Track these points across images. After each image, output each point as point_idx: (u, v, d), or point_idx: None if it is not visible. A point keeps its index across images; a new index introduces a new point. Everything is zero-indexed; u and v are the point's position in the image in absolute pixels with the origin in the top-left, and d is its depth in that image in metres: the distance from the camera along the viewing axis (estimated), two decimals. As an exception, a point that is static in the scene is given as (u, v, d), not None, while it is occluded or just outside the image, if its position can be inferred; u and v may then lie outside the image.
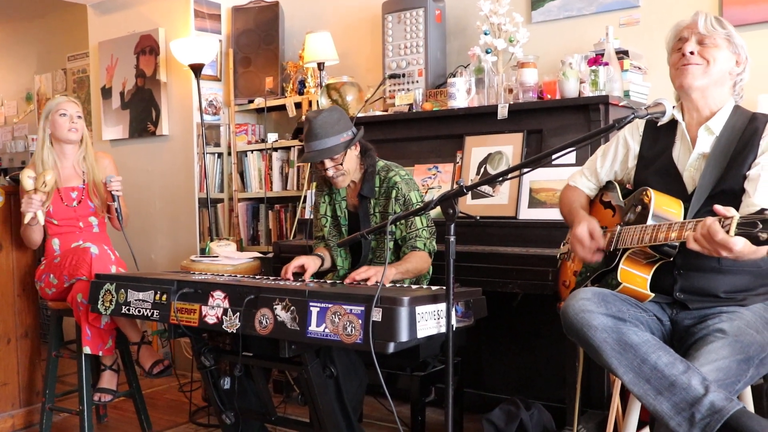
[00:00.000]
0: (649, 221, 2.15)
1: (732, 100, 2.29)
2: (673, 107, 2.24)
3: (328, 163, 2.99)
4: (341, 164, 2.99)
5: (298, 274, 2.99)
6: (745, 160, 2.16)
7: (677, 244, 2.07)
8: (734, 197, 2.13)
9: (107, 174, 3.59)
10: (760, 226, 1.71)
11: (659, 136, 2.38)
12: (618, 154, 2.49)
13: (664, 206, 2.18)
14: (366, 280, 2.71)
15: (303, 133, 3.03)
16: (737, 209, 2.08)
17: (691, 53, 2.21)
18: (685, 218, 2.16)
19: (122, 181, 3.57)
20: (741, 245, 1.79)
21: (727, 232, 1.78)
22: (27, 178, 3.35)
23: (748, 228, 1.74)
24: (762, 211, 1.75)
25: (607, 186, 2.53)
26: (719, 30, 2.22)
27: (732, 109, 2.26)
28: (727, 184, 2.16)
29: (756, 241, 1.73)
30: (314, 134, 2.95)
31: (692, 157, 2.25)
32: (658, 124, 2.36)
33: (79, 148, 3.61)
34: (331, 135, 2.94)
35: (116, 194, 3.54)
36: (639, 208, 2.23)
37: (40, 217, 3.41)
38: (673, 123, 2.32)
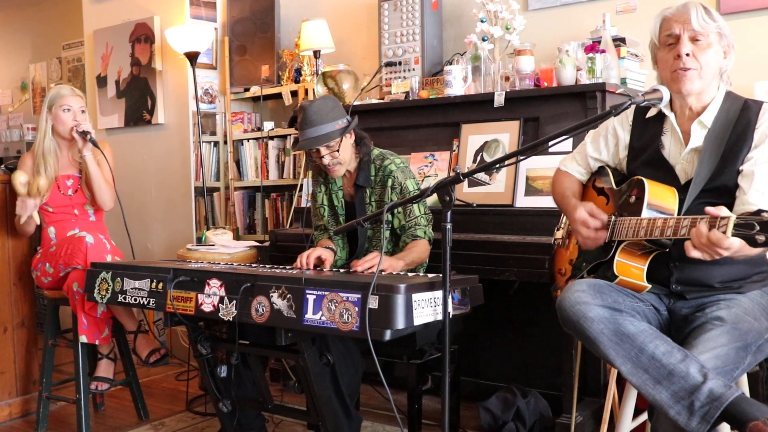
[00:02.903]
0: (644, 213, 2.13)
1: (723, 87, 2.25)
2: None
3: (324, 151, 2.97)
4: (337, 151, 2.97)
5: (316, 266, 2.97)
6: (738, 154, 2.14)
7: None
8: (728, 193, 2.11)
9: (105, 166, 3.58)
10: (758, 228, 1.69)
11: (647, 127, 2.35)
12: (609, 144, 2.47)
13: (658, 197, 2.16)
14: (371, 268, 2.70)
15: (297, 122, 3.01)
16: (732, 204, 2.07)
17: (687, 55, 2.16)
18: (680, 211, 2.15)
19: (89, 122, 3.53)
20: (738, 245, 1.78)
21: (724, 232, 1.77)
22: (19, 184, 3.31)
23: (745, 230, 1.72)
24: (759, 212, 1.73)
25: (600, 171, 2.51)
26: (711, 24, 2.16)
27: (723, 97, 2.23)
28: (720, 180, 2.14)
29: (753, 243, 1.71)
30: (309, 121, 2.93)
31: (685, 151, 2.23)
32: (647, 116, 2.35)
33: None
34: (327, 122, 2.92)
35: (87, 130, 3.46)
36: (633, 198, 2.22)
37: (36, 218, 3.42)
38: (661, 114, 2.30)
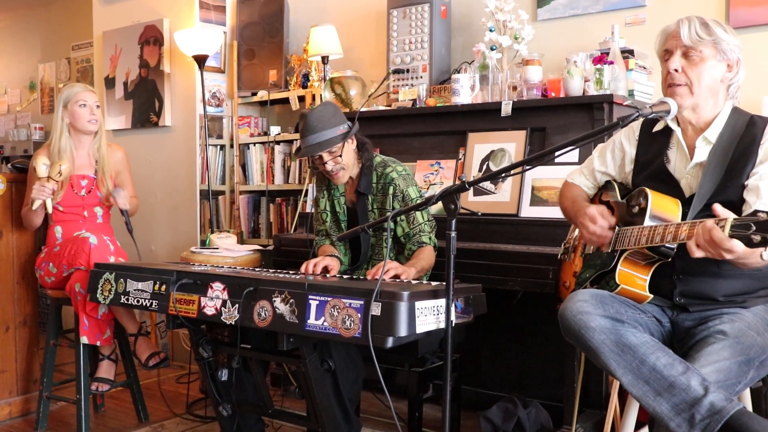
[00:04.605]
0: (647, 222, 2.13)
1: (729, 103, 2.23)
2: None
3: (327, 157, 2.98)
4: (340, 156, 2.97)
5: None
6: (743, 169, 2.13)
7: (675, 245, 2.06)
8: (732, 207, 2.09)
9: (119, 166, 3.62)
10: (754, 227, 1.70)
11: (654, 141, 2.35)
12: (615, 158, 2.47)
13: (661, 207, 2.16)
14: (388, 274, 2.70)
15: (299, 130, 3.01)
16: None
17: (676, 71, 2.16)
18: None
19: (127, 196, 3.61)
20: (741, 249, 1.77)
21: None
22: (42, 165, 3.32)
23: (741, 230, 1.72)
24: (756, 213, 1.72)
25: (606, 185, 2.51)
26: (705, 38, 2.14)
27: (730, 112, 2.22)
28: (724, 195, 2.13)
29: (749, 243, 1.71)
30: (311, 128, 2.93)
31: (689, 166, 2.23)
32: (654, 130, 2.35)
33: (95, 138, 3.61)
34: (328, 128, 2.93)
35: (123, 209, 3.55)
36: (636, 208, 2.21)
37: (49, 206, 3.41)
38: (668, 128, 2.29)
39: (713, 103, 2.21)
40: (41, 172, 3.33)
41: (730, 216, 1.78)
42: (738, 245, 1.76)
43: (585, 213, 2.32)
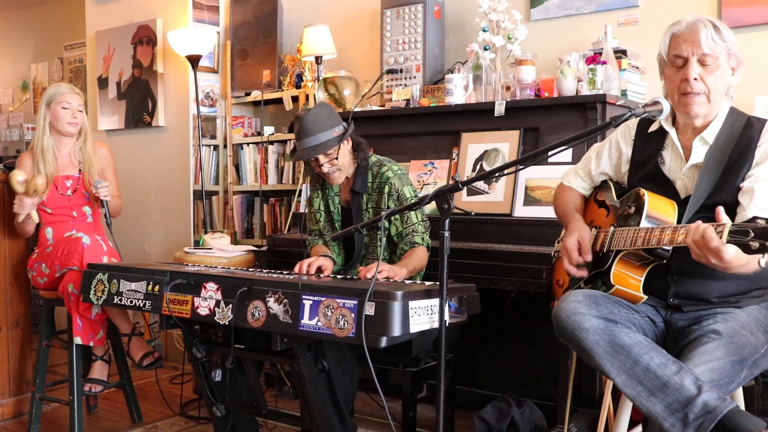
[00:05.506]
0: (643, 223, 2.13)
1: (726, 104, 2.23)
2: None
3: (323, 159, 2.97)
4: (336, 158, 2.97)
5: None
6: (739, 171, 2.13)
7: (670, 247, 2.06)
8: (727, 209, 2.08)
9: (103, 163, 3.60)
10: (752, 234, 1.69)
11: (649, 141, 2.35)
12: (612, 158, 2.46)
13: (657, 208, 2.16)
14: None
15: (294, 132, 3.01)
16: (732, 221, 2.07)
17: (695, 79, 2.12)
18: (678, 224, 2.14)
19: (109, 186, 3.56)
20: (732, 254, 1.77)
21: (720, 238, 1.77)
22: (17, 182, 3.31)
23: (740, 236, 1.72)
24: (754, 219, 1.73)
25: (602, 185, 2.51)
26: (720, 45, 2.11)
27: (727, 113, 2.21)
28: (720, 196, 2.13)
29: (747, 250, 1.71)
30: (306, 131, 2.93)
31: (686, 167, 2.23)
32: (649, 131, 2.35)
33: (77, 139, 3.60)
34: (324, 130, 2.93)
35: (104, 199, 3.53)
36: (633, 209, 2.22)
37: (34, 216, 3.42)
38: (663, 129, 2.29)
39: (716, 106, 2.20)
40: (17, 188, 3.32)
41: (728, 222, 1.79)
42: (730, 250, 1.76)
43: (564, 245, 2.34)
